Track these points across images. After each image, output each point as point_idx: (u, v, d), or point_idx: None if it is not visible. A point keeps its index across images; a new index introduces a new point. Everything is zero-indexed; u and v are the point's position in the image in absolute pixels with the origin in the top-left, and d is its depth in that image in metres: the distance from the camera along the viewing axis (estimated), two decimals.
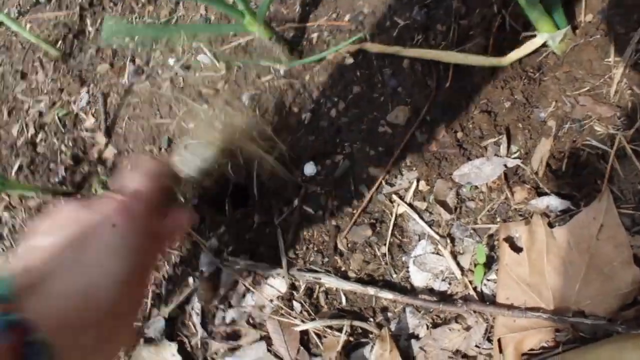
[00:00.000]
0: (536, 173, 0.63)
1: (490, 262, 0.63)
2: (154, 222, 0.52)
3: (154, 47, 0.88)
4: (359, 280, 0.67)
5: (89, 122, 0.90)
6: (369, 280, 0.67)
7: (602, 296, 0.57)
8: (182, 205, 0.65)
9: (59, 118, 0.92)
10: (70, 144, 0.90)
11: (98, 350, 0.45)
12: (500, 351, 0.61)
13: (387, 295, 0.65)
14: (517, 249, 0.62)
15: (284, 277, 0.70)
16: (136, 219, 0.49)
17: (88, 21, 0.96)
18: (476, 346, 0.62)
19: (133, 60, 0.89)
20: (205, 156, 0.61)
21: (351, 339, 0.66)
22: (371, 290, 0.66)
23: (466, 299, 0.63)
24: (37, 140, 0.93)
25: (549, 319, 0.58)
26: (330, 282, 0.68)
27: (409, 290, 0.66)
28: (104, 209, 0.48)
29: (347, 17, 0.76)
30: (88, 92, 0.92)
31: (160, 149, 0.81)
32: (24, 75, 0.97)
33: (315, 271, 0.69)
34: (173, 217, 0.54)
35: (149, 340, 0.77)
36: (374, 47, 0.71)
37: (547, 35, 0.61)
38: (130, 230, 0.48)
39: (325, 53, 0.72)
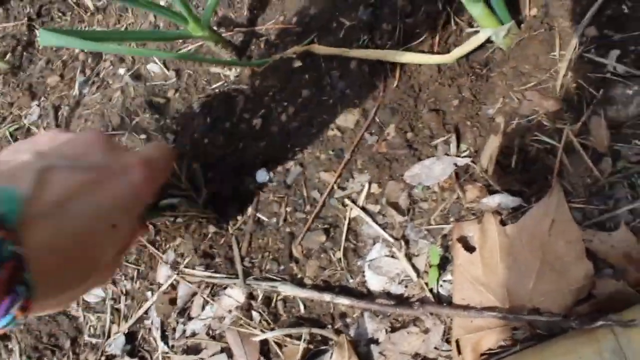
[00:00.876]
0: (486, 171, 0.62)
1: (445, 263, 0.63)
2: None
3: (104, 57, 0.86)
4: (315, 287, 0.66)
5: None
6: (326, 287, 0.66)
7: (556, 292, 0.57)
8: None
9: (10, 133, 0.90)
10: None
11: (72, 290, 0.47)
12: (459, 352, 0.60)
13: (343, 301, 0.64)
14: (470, 249, 0.61)
15: (240, 287, 0.69)
16: (150, 185, 0.53)
17: (36, 32, 0.94)
18: (435, 348, 0.62)
19: (83, 71, 0.87)
20: None
21: (311, 346, 0.65)
22: (327, 297, 0.65)
23: (423, 302, 0.62)
24: None
25: (505, 318, 0.58)
26: (287, 290, 0.67)
27: (366, 295, 0.65)
28: (128, 162, 0.52)
29: (294, 20, 0.74)
30: (39, 105, 0.90)
31: None
32: None
33: (272, 279, 0.68)
34: None
35: (110, 358, 0.75)
36: (320, 49, 0.69)
37: (490, 30, 0.61)
38: (141, 191, 0.51)
39: (272, 58, 0.71)
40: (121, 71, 0.84)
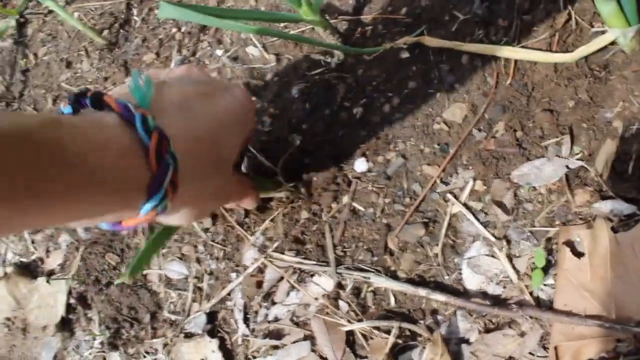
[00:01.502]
0: (600, 175, 0.60)
1: (547, 267, 0.61)
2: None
3: (201, 38, 0.87)
4: (409, 281, 0.65)
5: None
6: (420, 281, 0.65)
7: None
8: None
9: None
10: None
11: (202, 184, 0.51)
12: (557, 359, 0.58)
13: (439, 297, 0.63)
14: (578, 254, 0.59)
15: (330, 275, 0.69)
16: (251, 106, 0.59)
17: (134, 11, 0.95)
18: (530, 353, 0.60)
19: (179, 51, 0.88)
20: None
21: (399, 341, 0.64)
22: (422, 292, 0.64)
23: (522, 304, 0.61)
24: None
25: (611, 328, 0.56)
26: (380, 282, 0.66)
27: (462, 293, 0.64)
28: (229, 83, 0.60)
29: (403, 10, 0.74)
30: None
31: None
32: (69, 64, 0.97)
33: (364, 270, 0.67)
34: None
35: (189, 336, 0.75)
36: (432, 42, 0.68)
37: (618, 31, 0.59)
38: (246, 107, 0.56)
39: (382, 47, 0.70)
40: (219, 52, 0.85)
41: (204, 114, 0.49)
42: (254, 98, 0.78)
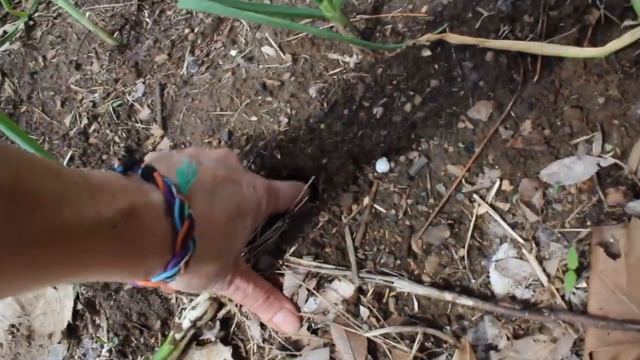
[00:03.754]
0: (634, 173, 0.58)
1: (579, 269, 0.58)
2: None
3: (215, 39, 0.85)
4: (434, 285, 0.63)
5: (144, 113, 0.87)
6: (445, 285, 0.63)
7: None
8: None
9: (113, 109, 0.90)
10: (124, 135, 0.87)
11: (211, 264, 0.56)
12: None
13: (466, 302, 0.61)
14: (613, 255, 0.57)
15: (351, 279, 0.66)
16: (267, 210, 0.64)
17: (145, 12, 0.94)
18: None
19: (192, 52, 0.87)
20: None
21: (425, 347, 0.62)
22: (449, 296, 0.61)
23: (553, 308, 0.58)
24: (90, 131, 0.91)
25: None
26: (404, 286, 0.63)
27: (489, 297, 0.61)
28: (257, 182, 0.62)
29: (424, 8, 0.72)
30: (144, 82, 0.89)
31: (220, 141, 0.78)
32: (78, 66, 0.95)
33: (387, 274, 0.65)
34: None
35: (201, 343, 0.73)
36: (455, 38, 0.67)
37: None
38: (261, 210, 0.62)
39: (404, 43, 0.68)
40: (233, 53, 0.83)
41: (227, 200, 0.55)
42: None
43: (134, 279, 0.48)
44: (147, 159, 0.55)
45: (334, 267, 0.67)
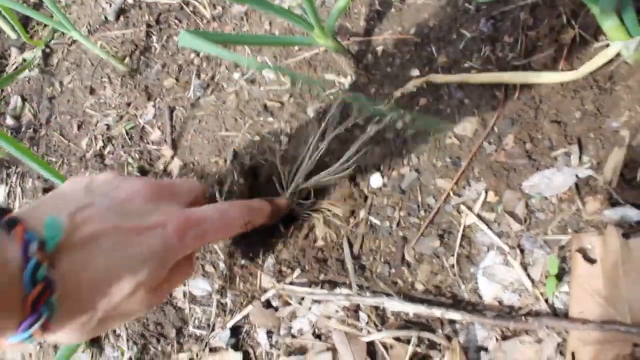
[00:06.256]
0: (609, 183, 0.62)
1: (561, 274, 0.63)
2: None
3: (219, 63, 0.90)
4: (424, 301, 0.67)
5: (155, 135, 0.93)
6: (436, 294, 0.67)
7: None
8: None
9: (126, 131, 0.95)
10: (137, 156, 0.93)
11: (87, 322, 0.49)
12: None
13: (454, 316, 0.65)
14: (591, 261, 0.61)
15: (350, 288, 0.71)
16: (184, 247, 0.54)
17: (154, 38, 0.99)
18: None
19: (198, 75, 0.92)
20: None
21: (418, 349, 0.66)
22: (437, 312, 0.65)
23: (538, 315, 0.62)
24: (105, 152, 0.97)
25: (627, 332, 0.57)
26: (394, 305, 0.67)
27: (478, 302, 0.65)
28: (168, 216, 0.53)
29: (412, 30, 0.76)
30: (154, 106, 0.95)
31: (225, 161, 0.83)
32: (92, 91, 1.01)
33: (378, 293, 0.70)
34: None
35: (214, 350, 0.78)
36: (440, 78, 0.71)
37: (620, 43, 0.61)
38: (172, 246, 0.52)
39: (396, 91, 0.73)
40: (236, 76, 0.88)
41: (106, 255, 0.48)
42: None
43: None
44: (34, 203, 0.51)
45: (333, 276, 0.72)
